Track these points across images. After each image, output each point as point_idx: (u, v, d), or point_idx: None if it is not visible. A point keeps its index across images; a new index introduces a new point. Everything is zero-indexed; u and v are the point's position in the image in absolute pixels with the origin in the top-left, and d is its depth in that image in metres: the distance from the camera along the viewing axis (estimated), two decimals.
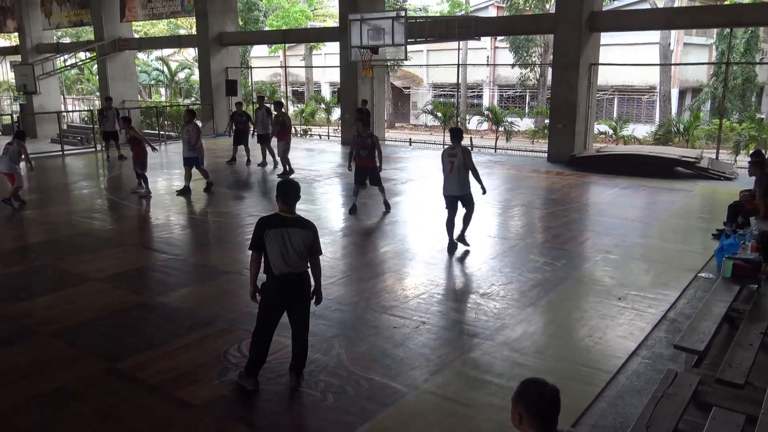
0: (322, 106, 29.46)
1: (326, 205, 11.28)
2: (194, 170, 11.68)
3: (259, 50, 34.62)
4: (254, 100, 18.40)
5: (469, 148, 8.14)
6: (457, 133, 8.06)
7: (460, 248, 8.03)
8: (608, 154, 14.52)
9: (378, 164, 9.87)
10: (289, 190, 4.42)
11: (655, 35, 23.69)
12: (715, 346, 4.82)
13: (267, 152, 14.71)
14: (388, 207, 10.15)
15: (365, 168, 9.85)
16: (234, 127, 15.34)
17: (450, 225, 7.97)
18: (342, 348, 5.17)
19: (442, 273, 7.17)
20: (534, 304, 6.19)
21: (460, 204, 7.96)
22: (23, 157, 10.70)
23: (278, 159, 13.92)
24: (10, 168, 10.50)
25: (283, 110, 14.05)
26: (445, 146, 8.06)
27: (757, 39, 23.73)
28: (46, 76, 25.04)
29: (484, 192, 8.08)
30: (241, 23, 26.91)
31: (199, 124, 12.15)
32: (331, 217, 10.30)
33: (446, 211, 8.02)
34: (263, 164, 14.73)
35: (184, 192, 11.56)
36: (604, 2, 19.04)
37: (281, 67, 33.66)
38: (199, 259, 7.93)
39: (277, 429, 4.15)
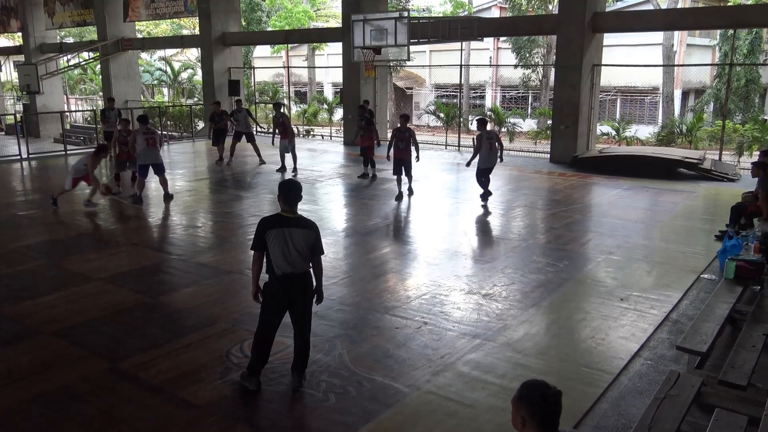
0: (325, 106, 29.47)
1: (328, 206, 11.28)
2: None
3: (261, 50, 34.67)
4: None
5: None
6: (484, 122, 10.91)
7: (463, 251, 8.03)
8: (611, 155, 14.51)
9: (416, 156, 11.26)
10: (290, 190, 4.41)
11: (658, 36, 23.65)
12: (717, 347, 4.82)
13: (258, 151, 15.09)
14: (411, 192, 11.45)
15: (400, 159, 11.14)
16: (213, 127, 15.45)
17: (484, 183, 10.64)
18: (344, 348, 5.17)
19: (444, 273, 7.16)
20: (536, 305, 6.18)
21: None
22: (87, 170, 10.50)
23: (263, 157, 15.02)
24: (77, 172, 10.50)
25: (282, 111, 14.23)
26: (480, 132, 10.71)
27: (761, 40, 23.68)
28: (50, 76, 25.10)
29: (502, 160, 11.08)
30: (243, 23, 26.95)
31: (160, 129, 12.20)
32: (333, 218, 10.30)
33: (479, 177, 10.65)
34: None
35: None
36: (607, 3, 19.00)
37: (284, 67, 33.64)
38: (202, 259, 7.93)
39: (278, 429, 4.15)
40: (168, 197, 11.19)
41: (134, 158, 11.38)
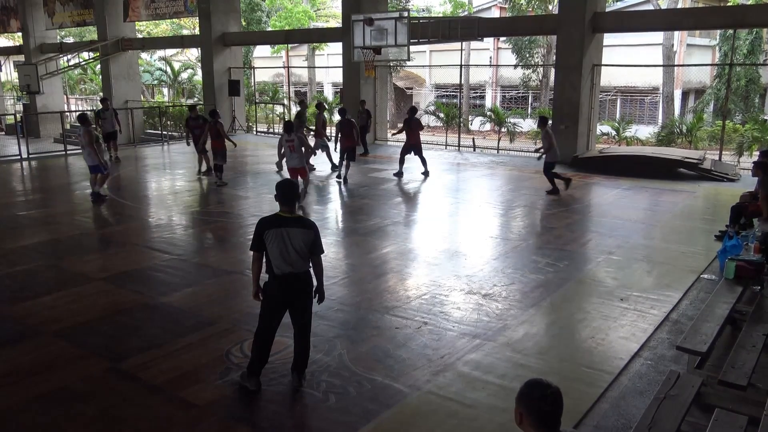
0: (325, 106, 29.38)
1: (328, 206, 11.28)
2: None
3: (261, 50, 34.65)
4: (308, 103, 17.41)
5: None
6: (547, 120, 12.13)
7: (463, 251, 8.05)
8: (611, 155, 14.51)
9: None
10: (287, 190, 4.42)
11: (658, 36, 23.64)
12: (717, 347, 4.81)
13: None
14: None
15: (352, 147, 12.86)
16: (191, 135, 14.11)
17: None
18: (344, 348, 5.17)
19: (444, 273, 7.16)
20: (536, 305, 6.18)
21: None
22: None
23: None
24: (301, 163, 10.41)
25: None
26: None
27: (761, 40, 23.67)
28: (50, 76, 25.10)
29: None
30: (243, 23, 26.95)
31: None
32: (333, 217, 10.31)
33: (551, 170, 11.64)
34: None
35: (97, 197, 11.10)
36: (607, 3, 19.00)
37: (284, 67, 33.67)
38: (202, 259, 7.94)
39: (279, 429, 4.15)
40: (93, 195, 11.02)
41: (223, 149, 12.30)
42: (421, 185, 12.72)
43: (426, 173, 13.45)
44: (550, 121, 12.52)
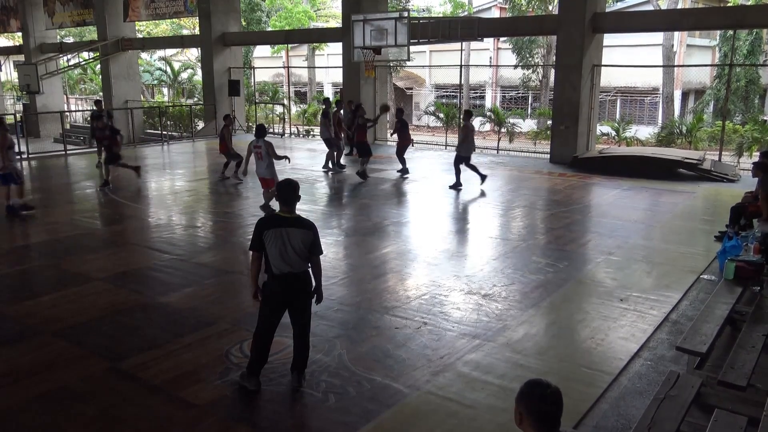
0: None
1: (328, 206, 11.28)
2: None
3: (261, 50, 34.66)
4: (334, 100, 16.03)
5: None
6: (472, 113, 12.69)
7: (463, 251, 8.05)
8: (611, 156, 14.51)
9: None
10: (288, 190, 4.43)
11: (658, 37, 23.65)
12: (717, 348, 4.82)
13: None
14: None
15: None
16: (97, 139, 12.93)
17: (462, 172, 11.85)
18: (344, 348, 5.17)
19: (443, 274, 7.16)
20: (536, 306, 6.18)
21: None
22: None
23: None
24: (270, 173, 9.51)
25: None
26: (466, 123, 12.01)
27: (761, 41, 23.69)
28: (50, 76, 25.11)
29: None
30: (243, 23, 26.96)
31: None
32: (333, 217, 10.30)
33: (463, 165, 11.79)
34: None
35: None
36: (607, 3, 19.00)
37: (284, 67, 33.67)
38: (202, 259, 7.93)
39: (278, 429, 4.15)
40: (8, 208, 9.86)
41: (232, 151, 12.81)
42: (419, 185, 12.72)
43: (404, 171, 13.62)
44: (473, 117, 12.86)
